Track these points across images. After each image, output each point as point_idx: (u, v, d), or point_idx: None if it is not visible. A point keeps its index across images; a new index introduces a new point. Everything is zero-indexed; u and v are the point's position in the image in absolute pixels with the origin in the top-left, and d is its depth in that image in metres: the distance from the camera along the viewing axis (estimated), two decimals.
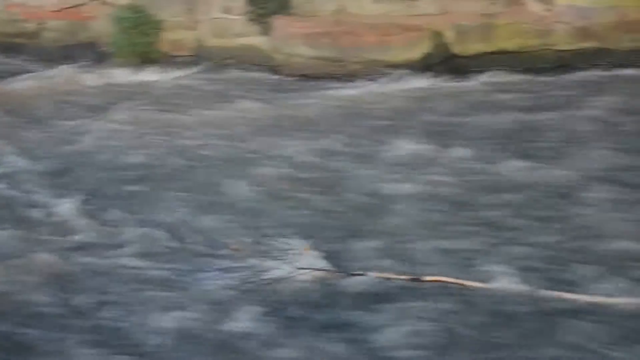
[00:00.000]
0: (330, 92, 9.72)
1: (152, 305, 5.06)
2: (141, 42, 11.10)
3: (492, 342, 4.65)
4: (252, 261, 5.58)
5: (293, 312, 5.01)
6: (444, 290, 5.13)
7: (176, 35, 11.17)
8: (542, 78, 9.57)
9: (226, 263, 5.59)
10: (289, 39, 10.69)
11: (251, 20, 10.94)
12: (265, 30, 10.89)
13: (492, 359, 4.54)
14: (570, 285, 5.14)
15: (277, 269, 5.44)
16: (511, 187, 6.70)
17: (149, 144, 8.05)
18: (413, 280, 5.23)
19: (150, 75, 10.60)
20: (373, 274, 5.30)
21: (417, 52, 10.25)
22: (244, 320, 4.90)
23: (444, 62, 10.25)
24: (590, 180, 6.74)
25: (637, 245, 5.64)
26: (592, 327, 4.72)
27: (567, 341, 4.62)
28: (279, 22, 10.77)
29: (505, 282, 5.14)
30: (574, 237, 5.80)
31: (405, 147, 7.69)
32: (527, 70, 9.79)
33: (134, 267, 5.55)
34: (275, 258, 5.59)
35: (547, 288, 5.09)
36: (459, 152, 7.52)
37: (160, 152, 7.84)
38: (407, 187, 6.79)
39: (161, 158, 7.69)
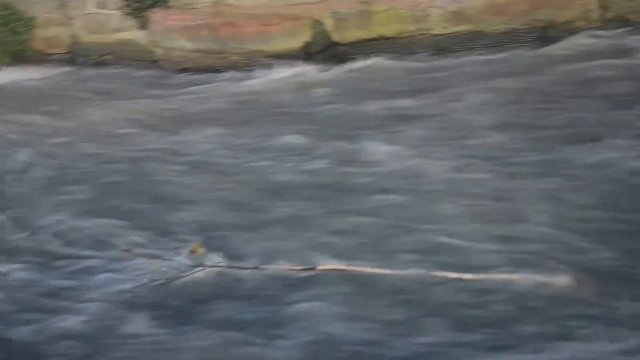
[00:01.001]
0: (213, 84, 9.67)
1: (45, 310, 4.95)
2: (12, 41, 10.75)
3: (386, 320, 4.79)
4: (144, 261, 5.53)
5: (190, 310, 4.99)
6: (341, 277, 5.21)
7: (50, 32, 10.86)
8: (419, 63, 9.79)
9: (117, 265, 5.51)
10: (167, 32, 10.55)
11: (127, 14, 10.74)
12: (143, 24, 10.71)
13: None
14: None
15: (171, 268, 5.41)
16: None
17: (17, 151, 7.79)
18: (307, 269, 5.28)
19: (22, 74, 10.29)
20: (268, 267, 5.34)
21: (297, 41, 10.29)
22: (137, 322, 4.86)
23: (325, 50, 10.33)
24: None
25: None
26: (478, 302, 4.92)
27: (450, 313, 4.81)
28: (156, 16, 10.61)
29: (400, 266, 5.26)
30: None
31: (288, 138, 7.73)
32: (406, 55, 9.97)
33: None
34: (168, 257, 5.54)
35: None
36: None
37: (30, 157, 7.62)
38: (295, 177, 6.83)
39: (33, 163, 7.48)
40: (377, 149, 7.31)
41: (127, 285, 5.25)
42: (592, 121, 7.60)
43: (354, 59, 10.01)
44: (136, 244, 5.72)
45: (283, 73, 9.79)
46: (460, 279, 5.11)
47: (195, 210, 6.26)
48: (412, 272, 5.20)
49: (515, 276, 5.12)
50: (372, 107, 8.52)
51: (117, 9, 10.72)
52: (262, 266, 5.34)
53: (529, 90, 8.62)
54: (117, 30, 10.78)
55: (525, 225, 5.74)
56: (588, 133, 7.29)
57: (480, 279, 5.11)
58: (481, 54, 9.63)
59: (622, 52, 9.14)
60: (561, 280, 5.06)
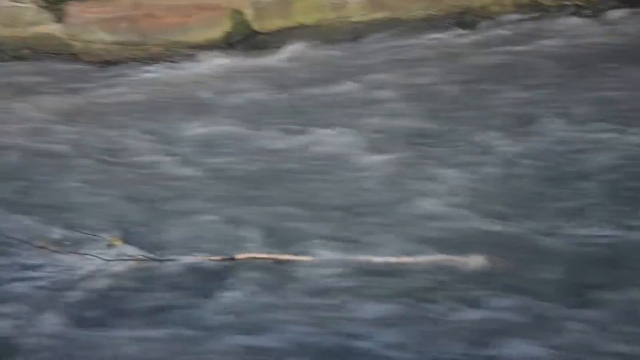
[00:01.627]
0: (133, 77, 9.58)
1: None
2: None
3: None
4: (61, 257, 5.48)
5: (109, 305, 4.97)
6: (259, 266, 5.25)
7: None
8: (339, 51, 9.86)
9: (34, 261, 5.45)
10: (85, 25, 10.39)
11: (43, 7, 10.56)
12: (59, 17, 10.54)
13: None
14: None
15: (88, 263, 5.37)
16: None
17: None
18: (227, 260, 5.31)
19: None
20: (186, 258, 5.35)
21: (217, 31, 10.24)
22: (55, 320, 4.82)
23: (246, 39, 10.32)
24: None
25: None
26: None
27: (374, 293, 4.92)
28: (73, 8, 10.43)
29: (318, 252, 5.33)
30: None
31: (209, 128, 7.73)
32: (326, 43, 10.03)
33: None
34: (84, 252, 5.50)
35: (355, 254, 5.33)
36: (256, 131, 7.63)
37: None
38: (210, 166, 6.84)
39: None
40: (299, 138, 7.37)
41: (44, 283, 5.21)
42: (505, 107, 7.80)
43: (275, 48, 10.04)
44: (52, 240, 5.68)
45: (204, 64, 9.76)
46: (385, 263, 5.22)
47: (107, 204, 6.23)
48: (333, 257, 5.27)
49: (435, 257, 5.25)
50: (295, 95, 8.57)
51: (32, 1, 10.52)
52: (180, 257, 5.35)
53: (448, 76, 8.78)
54: (33, 23, 10.55)
55: (439, 209, 5.90)
56: (504, 119, 7.50)
57: (404, 262, 5.22)
58: (399, 41, 9.75)
59: (534, 36, 9.36)
60: (475, 260, 5.20)
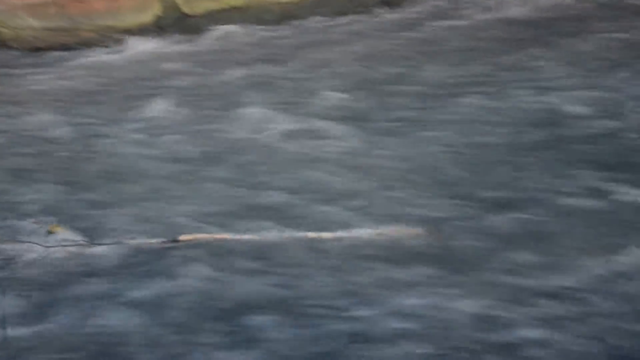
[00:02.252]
0: (64, 63, 9.51)
1: None
2: None
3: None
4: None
5: (51, 292, 4.98)
6: (202, 246, 5.35)
7: None
8: (270, 32, 9.96)
9: None
10: (13, 11, 10.26)
11: None
12: None
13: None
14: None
15: (27, 251, 5.36)
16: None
17: None
18: (170, 242, 5.38)
19: None
20: (128, 242, 5.42)
21: (148, 15, 10.24)
22: None
23: (176, 22, 10.34)
24: None
25: None
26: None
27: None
28: None
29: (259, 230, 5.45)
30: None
31: (142, 111, 7.77)
32: (256, 24, 10.12)
33: None
34: (23, 240, 5.48)
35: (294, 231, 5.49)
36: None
37: None
38: (149, 150, 6.90)
39: None
40: (234, 118, 7.47)
41: None
42: (434, 80, 8.03)
43: (206, 30, 10.08)
44: None
45: (135, 48, 9.75)
46: (319, 238, 5.37)
47: (43, 191, 6.20)
48: (272, 234, 5.40)
49: (373, 231, 5.41)
50: (228, 76, 8.64)
51: None
52: (122, 241, 5.40)
53: (377, 53, 8.94)
54: None
55: (376, 183, 6.11)
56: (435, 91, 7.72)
57: (339, 236, 5.37)
58: (328, 22, 9.90)
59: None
60: (412, 231, 5.39)
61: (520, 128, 6.96)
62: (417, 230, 5.38)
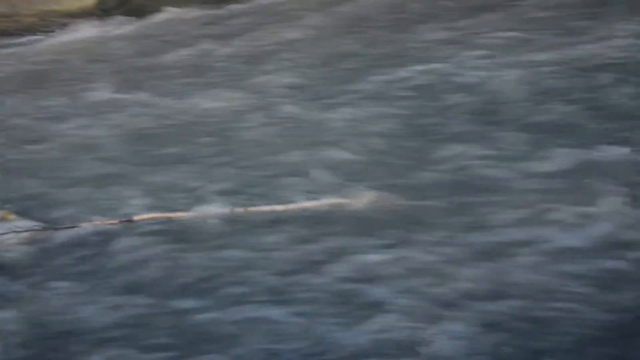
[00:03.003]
0: (7, 49, 9.36)
1: None
2: None
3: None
4: None
5: (8, 276, 4.94)
6: (157, 225, 5.31)
7: None
8: (218, 11, 9.90)
9: None
10: None
11: None
12: None
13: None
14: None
15: None
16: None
17: None
18: (125, 222, 5.35)
19: None
20: (84, 224, 5.35)
21: None
22: None
23: (120, 5, 10.21)
24: None
25: None
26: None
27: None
28: None
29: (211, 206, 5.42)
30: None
31: (101, 95, 7.69)
32: (201, 5, 10.03)
33: None
34: None
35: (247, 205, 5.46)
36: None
37: None
38: (101, 132, 6.84)
39: None
40: (184, 99, 7.41)
41: None
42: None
43: (151, 12, 9.96)
44: None
45: (79, 32, 9.62)
46: (272, 211, 5.35)
47: None
48: (226, 210, 5.37)
49: (323, 201, 5.41)
50: (172, 57, 8.57)
51: None
52: (78, 224, 5.35)
53: (329, 24, 8.94)
54: None
55: (329, 152, 6.11)
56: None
57: (295, 208, 5.37)
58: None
59: None
60: (364, 198, 5.40)
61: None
62: (368, 197, 5.39)
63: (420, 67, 7.54)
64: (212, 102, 7.27)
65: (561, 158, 5.74)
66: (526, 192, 5.36)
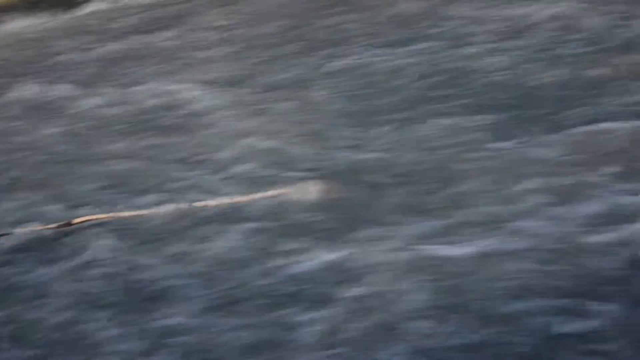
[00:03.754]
0: None
1: None
2: None
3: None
4: None
5: None
6: (98, 227, 5.11)
7: None
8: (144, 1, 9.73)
9: None
10: None
11: None
12: None
13: None
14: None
15: None
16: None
17: None
18: (63, 226, 5.13)
19: None
20: (19, 231, 5.12)
21: None
22: None
23: None
24: None
25: None
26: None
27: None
28: None
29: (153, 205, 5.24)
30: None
31: (22, 91, 7.41)
32: None
33: None
34: None
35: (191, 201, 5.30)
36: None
37: None
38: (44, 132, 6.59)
39: None
40: (124, 92, 7.19)
41: None
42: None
43: (79, 4, 9.77)
44: None
45: (6, 25, 9.36)
46: (222, 204, 5.20)
47: None
48: (170, 207, 5.21)
49: (270, 192, 5.29)
50: (104, 50, 8.37)
51: None
52: (11, 231, 5.12)
53: (261, 12, 8.81)
54: None
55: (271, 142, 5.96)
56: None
57: (239, 201, 5.23)
58: None
59: None
60: (311, 188, 5.29)
61: None
62: (312, 186, 5.28)
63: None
64: (150, 94, 7.05)
65: None
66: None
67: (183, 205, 5.21)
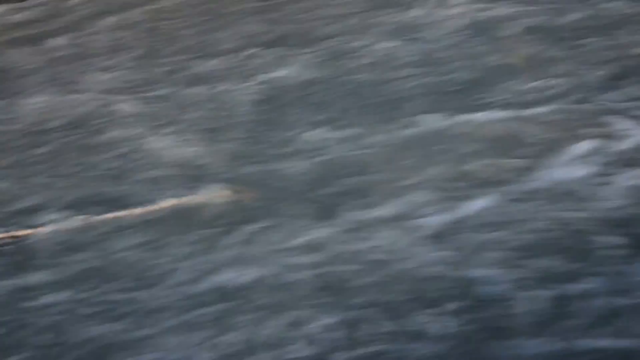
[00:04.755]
0: None
1: None
2: None
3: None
4: None
5: None
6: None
7: None
8: None
9: None
10: None
11: None
12: None
13: None
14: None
15: None
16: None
17: None
18: None
19: None
20: None
21: None
22: None
23: None
24: None
25: None
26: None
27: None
28: None
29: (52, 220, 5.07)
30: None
31: None
32: None
33: None
34: None
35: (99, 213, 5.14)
36: None
37: None
38: None
39: None
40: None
41: None
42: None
43: None
44: None
45: None
46: (117, 218, 5.06)
47: None
48: (74, 222, 5.04)
49: (179, 200, 5.17)
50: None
51: None
52: None
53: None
54: None
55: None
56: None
57: (149, 210, 5.10)
58: None
59: None
60: (222, 194, 5.20)
61: None
62: (225, 193, 5.19)
63: None
64: (42, 106, 6.83)
65: None
66: None
67: (89, 218, 5.07)
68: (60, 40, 8.35)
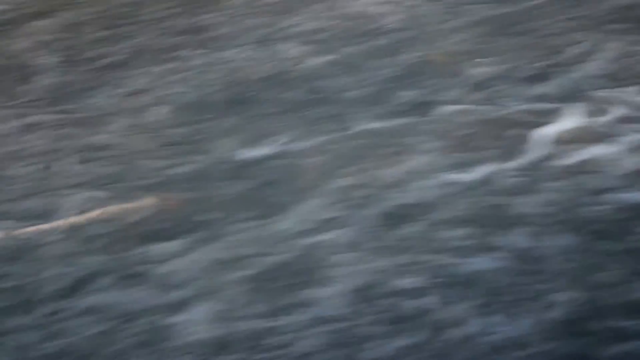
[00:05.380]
0: None
1: None
2: None
3: None
4: None
5: None
6: None
7: None
8: None
9: None
10: None
11: None
12: None
13: None
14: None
15: None
16: None
17: None
18: None
19: None
20: None
21: None
22: None
23: None
24: None
25: None
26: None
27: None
28: None
29: None
30: None
31: None
32: None
33: None
34: None
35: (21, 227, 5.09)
36: None
37: None
38: None
39: None
40: None
41: None
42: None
43: None
44: None
45: None
46: (56, 227, 5.03)
47: None
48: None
49: (104, 210, 5.15)
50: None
51: None
52: None
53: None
54: None
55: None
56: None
57: (75, 221, 5.07)
58: None
59: None
60: (147, 202, 5.18)
61: None
62: (148, 202, 5.18)
63: None
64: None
65: None
66: None
67: (17, 231, 5.02)
68: None
